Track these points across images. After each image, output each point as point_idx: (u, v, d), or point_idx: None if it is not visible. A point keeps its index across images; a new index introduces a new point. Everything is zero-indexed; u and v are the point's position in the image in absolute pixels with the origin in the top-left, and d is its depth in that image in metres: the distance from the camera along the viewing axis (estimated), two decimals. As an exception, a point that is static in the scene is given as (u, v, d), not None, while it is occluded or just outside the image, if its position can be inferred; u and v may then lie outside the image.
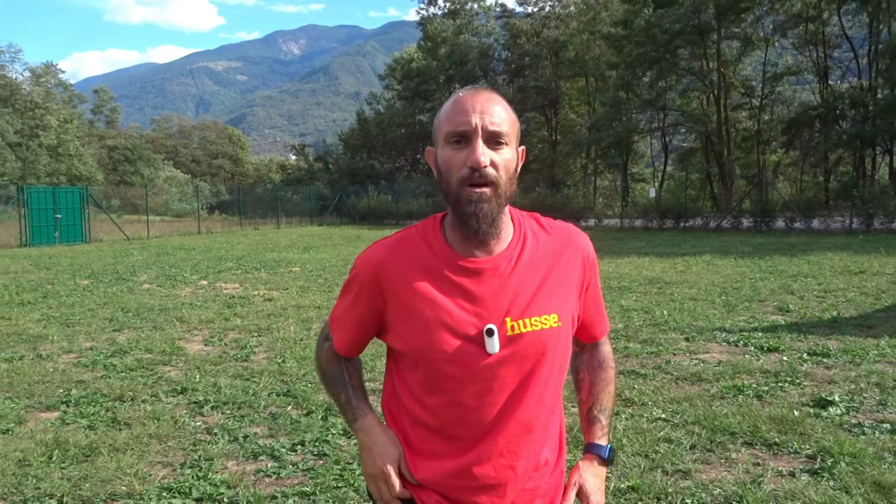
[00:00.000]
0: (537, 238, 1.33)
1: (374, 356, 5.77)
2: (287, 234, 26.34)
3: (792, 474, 3.37)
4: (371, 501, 1.42)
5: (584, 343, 1.51)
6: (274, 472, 3.55)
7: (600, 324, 1.49)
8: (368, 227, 32.14)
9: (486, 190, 1.21)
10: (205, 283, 11.42)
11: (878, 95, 28.17)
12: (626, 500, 3.16)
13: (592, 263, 1.40)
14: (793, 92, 34.62)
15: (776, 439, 3.79)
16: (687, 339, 6.44)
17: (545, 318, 1.27)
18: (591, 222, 28.68)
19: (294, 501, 3.24)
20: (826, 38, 31.23)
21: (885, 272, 10.80)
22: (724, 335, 6.55)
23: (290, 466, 3.62)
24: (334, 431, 4.08)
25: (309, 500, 3.26)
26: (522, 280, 1.28)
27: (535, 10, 43.10)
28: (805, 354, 5.72)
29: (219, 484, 3.39)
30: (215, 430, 4.17)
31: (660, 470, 3.44)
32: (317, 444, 3.92)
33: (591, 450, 1.45)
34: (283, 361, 5.82)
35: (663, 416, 4.25)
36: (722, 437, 3.87)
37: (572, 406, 4.02)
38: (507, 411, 1.26)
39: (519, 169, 1.30)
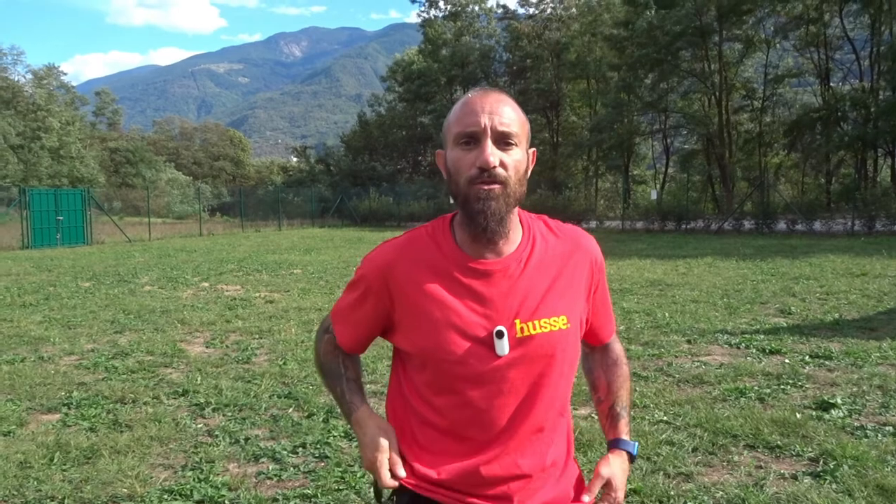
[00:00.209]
0: (546, 240, 1.33)
1: (376, 358, 5.77)
2: (288, 236, 26.35)
3: (794, 477, 3.36)
4: (376, 501, 1.42)
5: (594, 345, 1.51)
6: (275, 475, 3.54)
7: (607, 326, 1.49)
8: (370, 229, 32.14)
9: (496, 187, 1.21)
10: (206, 285, 11.42)
11: (880, 97, 28.15)
12: (627, 503, 3.15)
13: (600, 266, 1.40)
14: (794, 94, 34.62)
15: (778, 442, 3.78)
16: (689, 342, 6.43)
17: (554, 321, 1.27)
18: (593, 224, 28.66)
19: (295, 504, 3.23)
20: (828, 40, 31.21)
21: (887, 274, 10.78)
22: (725, 337, 6.54)
23: (292, 469, 3.62)
24: (336, 434, 4.08)
25: (310, 502, 3.25)
26: (532, 282, 1.28)
27: (537, 12, 43.12)
28: (807, 357, 5.71)
29: (220, 486, 3.38)
30: (216, 433, 4.17)
31: (662, 473, 3.43)
32: (318, 446, 3.91)
33: (618, 445, 1.43)
34: (284, 363, 5.82)
35: (665, 418, 4.25)
36: (724, 439, 3.86)
37: (574, 409, 4.01)
38: (516, 413, 1.26)
39: (529, 171, 1.30)
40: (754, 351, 5.99)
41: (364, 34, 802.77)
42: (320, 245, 20.92)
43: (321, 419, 4.36)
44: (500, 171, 1.21)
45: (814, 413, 4.27)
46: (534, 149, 1.32)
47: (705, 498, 3.16)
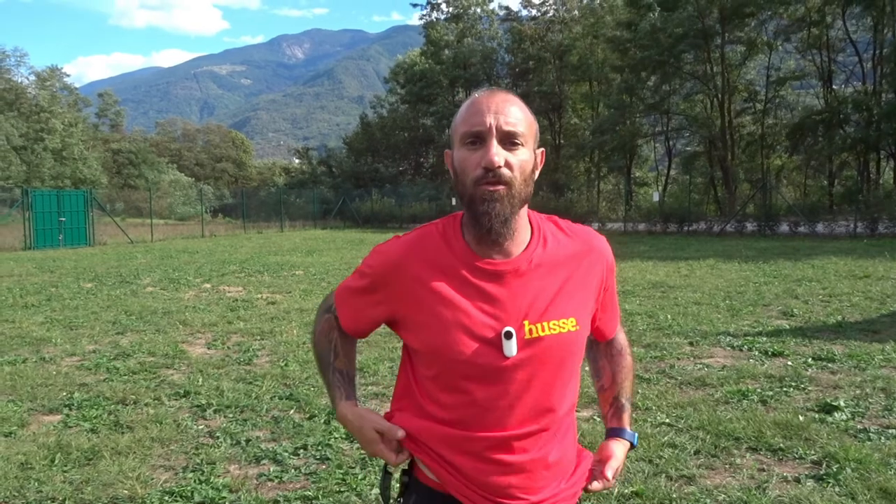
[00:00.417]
0: (557, 241, 1.33)
1: (377, 360, 5.76)
2: (290, 238, 26.37)
3: (797, 480, 3.34)
4: (383, 502, 1.43)
5: (599, 340, 1.52)
6: (276, 476, 3.54)
7: (613, 322, 1.50)
8: (372, 230, 32.15)
9: (500, 188, 1.20)
10: (208, 286, 11.43)
11: (883, 100, 28.10)
12: (629, 505, 3.14)
13: (611, 268, 1.41)
14: (796, 96, 34.55)
15: (781, 445, 3.77)
16: (691, 344, 6.41)
17: (563, 322, 1.27)
18: (595, 226, 28.64)
19: (296, 506, 3.23)
20: (830, 43, 31.17)
21: (889, 276, 10.75)
22: (728, 339, 6.53)
23: (293, 470, 3.61)
24: (337, 435, 4.07)
25: (311, 504, 3.25)
26: (541, 283, 1.27)
27: (539, 14, 43.12)
28: (810, 359, 5.69)
29: (221, 488, 3.38)
30: (217, 434, 4.16)
31: (664, 475, 3.42)
32: (319, 448, 3.91)
33: (621, 435, 1.47)
34: (285, 365, 5.81)
35: (667, 420, 4.23)
36: (726, 442, 3.84)
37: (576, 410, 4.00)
38: (523, 413, 1.26)
39: (538, 171, 1.29)
40: (757, 353, 5.97)
41: (366, 36, 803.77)
42: (322, 246, 20.93)
43: (322, 421, 4.36)
44: (504, 171, 1.20)
45: (817, 416, 4.25)
46: (542, 149, 1.32)
47: (707, 501, 3.15)
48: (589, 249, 1.35)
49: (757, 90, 34.23)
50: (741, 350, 6.13)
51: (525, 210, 1.29)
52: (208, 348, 6.65)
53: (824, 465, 3.49)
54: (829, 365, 5.51)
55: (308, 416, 4.48)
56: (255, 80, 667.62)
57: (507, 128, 1.21)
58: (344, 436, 4.06)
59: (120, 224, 26.96)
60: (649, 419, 4.26)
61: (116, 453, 3.83)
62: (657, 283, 10.57)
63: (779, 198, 25.53)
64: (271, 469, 3.64)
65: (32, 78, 57.97)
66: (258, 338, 7.07)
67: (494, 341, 1.24)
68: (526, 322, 1.24)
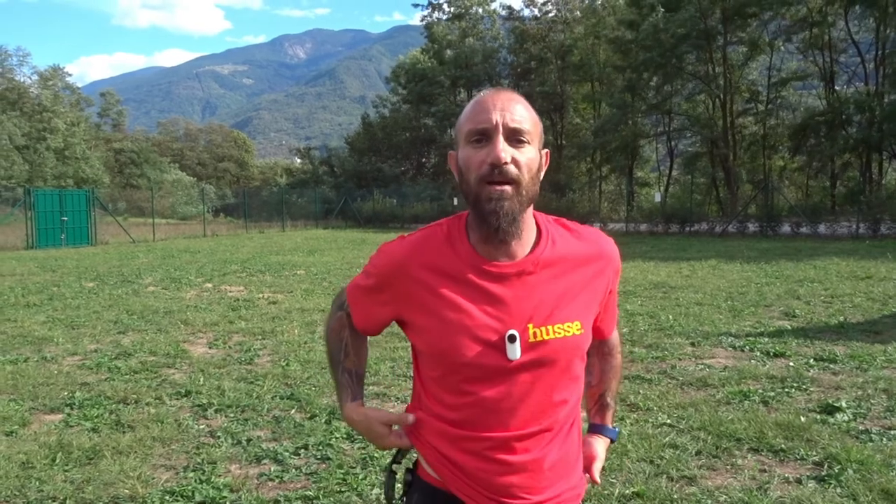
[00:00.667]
0: (566, 243, 1.32)
1: (379, 360, 5.76)
2: (292, 238, 26.38)
3: (799, 481, 3.34)
4: (387, 502, 1.44)
5: (595, 338, 1.51)
6: (277, 476, 3.54)
7: (612, 322, 1.51)
8: (373, 230, 32.15)
9: (507, 188, 1.20)
10: (209, 285, 11.43)
11: (885, 100, 28.05)
12: (630, 506, 3.14)
13: (618, 271, 1.41)
14: (799, 97, 34.50)
15: (783, 445, 3.76)
16: (692, 344, 6.40)
17: (568, 326, 1.27)
18: (597, 226, 28.41)
19: (297, 505, 3.22)
20: (832, 43, 31.12)
21: (892, 277, 10.73)
22: (729, 340, 6.52)
23: (294, 470, 3.61)
24: (338, 435, 4.07)
25: (312, 504, 3.25)
26: (547, 286, 1.27)
27: (540, 14, 43.10)
28: (812, 360, 5.68)
29: (222, 487, 3.38)
30: (218, 434, 4.16)
31: (665, 476, 3.42)
32: (320, 447, 3.91)
33: (600, 431, 1.55)
34: (287, 364, 5.82)
35: (668, 421, 4.23)
36: (728, 442, 3.84)
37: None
38: (526, 415, 1.26)
39: (543, 171, 1.29)
40: (758, 354, 5.96)
41: (368, 36, 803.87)
42: (324, 246, 20.94)
43: (323, 420, 4.36)
44: (511, 168, 1.20)
45: (818, 417, 4.24)
46: (547, 149, 1.31)
47: (709, 502, 3.15)
48: (598, 253, 1.34)
49: (759, 91, 34.18)
50: (743, 351, 6.12)
51: (531, 210, 1.29)
52: (210, 348, 6.65)
53: (826, 467, 3.48)
54: (831, 366, 5.50)
55: (309, 415, 4.48)
56: (257, 79, 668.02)
57: (513, 125, 1.20)
58: (345, 436, 4.06)
59: (122, 223, 26.99)
60: (650, 420, 4.26)
61: (117, 453, 3.83)
62: (659, 284, 10.56)
63: (781, 198, 25.49)
64: (272, 469, 3.64)
65: (35, 77, 58.13)
66: (259, 337, 7.07)
67: (498, 344, 1.23)
68: (530, 325, 1.24)
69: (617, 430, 1.59)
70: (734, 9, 29.82)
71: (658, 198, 28.80)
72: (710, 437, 3.91)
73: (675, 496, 3.18)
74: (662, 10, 31.51)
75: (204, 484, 3.41)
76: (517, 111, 1.22)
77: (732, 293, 9.49)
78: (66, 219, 22.47)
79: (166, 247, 21.94)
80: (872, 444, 3.75)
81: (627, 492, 3.24)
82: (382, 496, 2.91)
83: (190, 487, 3.37)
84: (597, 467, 1.48)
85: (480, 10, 48.67)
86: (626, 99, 35.10)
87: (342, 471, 3.57)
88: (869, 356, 5.73)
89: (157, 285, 11.48)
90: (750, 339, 6.53)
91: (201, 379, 5.40)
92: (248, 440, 4.05)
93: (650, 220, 26.80)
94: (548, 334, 1.24)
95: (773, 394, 4.75)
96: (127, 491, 3.34)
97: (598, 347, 1.53)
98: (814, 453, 3.65)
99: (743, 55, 32.94)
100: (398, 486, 1.43)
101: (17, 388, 5.18)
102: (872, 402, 4.54)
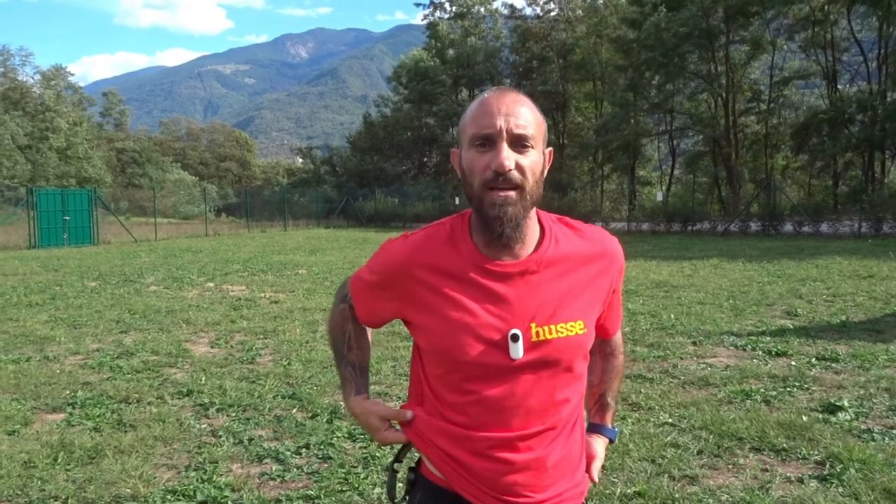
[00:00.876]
0: (569, 242, 1.32)
1: (380, 359, 5.76)
2: (294, 237, 26.39)
3: (801, 480, 3.33)
4: (390, 501, 1.44)
5: (599, 337, 1.51)
6: (278, 476, 3.54)
7: (616, 322, 1.51)
8: (375, 229, 32.16)
9: (511, 194, 1.20)
10: (211, 285, 11.44)
11: (888, 99, 27.98)
12: (632, 505, 3.14)
13: (622, 270, 1.41)
14: (801, 96, 34.43)
15: (784, 445, 3.76)
16: (694, 343, 6.40)
17: (571, 325, 1.27)
18: (599, 226, 28.57)
19: (298, 505, 3.23)
20: (835, 42, 31.06)
21: (894, 276, 10.71)
22: (731, 339, 6.51)
23: (295, 469, 3.61)
24: (339, 434, 4.07)
25: (313, 503, 3.25)
26: (549, 286, 1.27)
27: (542, 13, 43.06)
28: (814, 359, 5.67)
29: (223, 487, 3.38)
30: (220, 433, 4.17)
31: (666, 475, 3.41)
32: (322, 447, 3.91)
33: (600, 430, 1.55)
34: (288, 364, 5.82)
35: (670, 420, 4.23)
36: (729, 442, 3.83)
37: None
38: (528, 414, 1.26)
39: (546, 171, 1.29)
40: (760, 353, 5.95)
41: (370, 35, 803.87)
42: (325, 246, 20.95)
43: (325, 420, 4.36)
44: (515, 174, 1.19)
45: (820, 416, 4.24)
46: (550, 148, 1.31)
47: (710, 501, 3.14)
48: (602, 252, 1.34)
49: (761, 90, 34.12)
50: (745, 350, 6.11)
51: (534, 211, 1.28)
52: (211, 347, 6.66)
53: (828, 466, 3.48)
54: (833, 365, 5.49)
55: (310, 415, 4.48)
56: (259, 79, 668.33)
57: (517, 131, 1.20)
58: (346, 435, 4.07)
59: (124, 223, 27.01)
60: (652, 419, 4.26)
61: (119, 452, 3.83)
62: (661, 283, 10.55)
63: (783, 197, 25.44)
64: (274, 468, 3.64)
65: (37, 77, 58.13)
66: (261, 337, 7.07)
67: (501, 343, 1.23)
68: (533, 324, 1.24)
69: (616, 430, 1.59)
70: (736, 7, 29.76)
71: (660, 197, 28.77)
72: (711, 437, 3.91)
73: (677, 495, 3.18)
74: (665, 9, 31.43)
75: (205, 483, 3.42)
76: (522, 115, 1.21)
77: (734, 292, 9.47)
78: (68, 218, 22.50)
79: (168, 246, 21.97)
80: (874, 444, 3.75)
81: (629, 491, 3.24)
82: (384, 495, 2.91)
83: (191, 487, 3.37)
84: (596, 466, 1.48)
85: (482, 10, 48.60)
86: (629, 98, 35.05)
87: (344, 470, 3.57)
88: (871, 355, 5.72)
89: (158, 285, 11.49)
90: (752, 338, 6.52)
91: (203, 378, 5.41)
92: (250, 439, 4.06)
93: (652, 219, 26.77)
94: (551, 333, 1.24)
95: (774, 393, 4.74)
96: (129, 490, 3.35)
97: (601, 347, 1.53)
98: (816, 453, 3.65)
99: (745, 54, 32.87)
100: (400, 485, 1.43)
101: (19, 387, 5.19)
102: (874, 401, 4.53)
